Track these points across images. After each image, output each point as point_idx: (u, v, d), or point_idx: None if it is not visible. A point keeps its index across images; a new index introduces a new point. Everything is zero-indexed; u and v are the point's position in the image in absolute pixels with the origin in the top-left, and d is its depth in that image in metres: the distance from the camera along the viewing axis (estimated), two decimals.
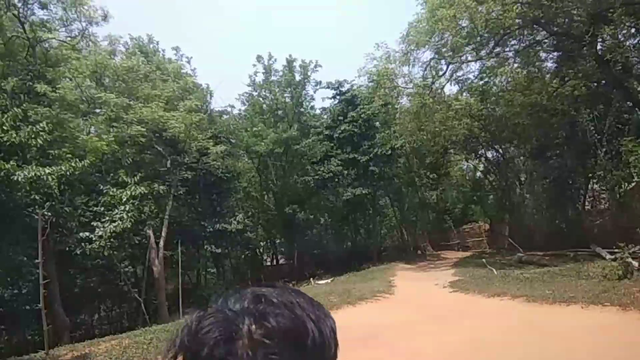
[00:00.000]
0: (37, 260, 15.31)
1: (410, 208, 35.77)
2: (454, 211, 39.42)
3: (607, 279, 13.67)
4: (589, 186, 25.14)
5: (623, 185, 22.20)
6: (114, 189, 20.16)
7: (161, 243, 22.52)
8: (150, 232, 22.20)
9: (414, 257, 32.02)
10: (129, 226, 19.63)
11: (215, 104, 34.87)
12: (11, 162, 16.41)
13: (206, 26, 77.48)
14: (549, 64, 23.27)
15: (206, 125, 27.84)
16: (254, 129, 33.97)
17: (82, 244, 19.45)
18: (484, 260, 23.03)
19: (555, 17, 18.61)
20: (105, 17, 20.98)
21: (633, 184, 21.82)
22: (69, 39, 22.06)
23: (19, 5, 19.97)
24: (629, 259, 14.18)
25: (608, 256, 18.05)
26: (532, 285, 14.78)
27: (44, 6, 20.72)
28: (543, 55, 22.51)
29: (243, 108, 37.80)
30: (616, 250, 15.16)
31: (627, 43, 20.35)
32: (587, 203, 25.60)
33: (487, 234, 34.86)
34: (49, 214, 17.76)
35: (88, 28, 21.58)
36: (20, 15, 20.26)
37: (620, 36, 19.98)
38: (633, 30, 20.36)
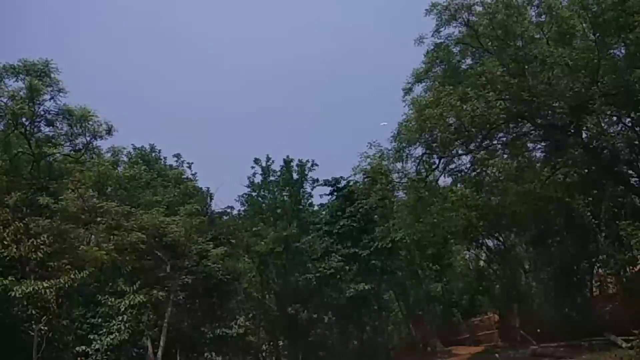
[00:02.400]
0: None
1: (415, 302, 34.92)
2: (461, 303, 38.37)
3: None
4: (594, 271, 24.84)
5: (628, 269, 22.03)
6: (112, 299, 19.77)
7: (159, 353, 21.65)
8: (148, 343, 21.44)
9: (424, 354, 30.73)
10: (126, 338, 19.02)
11: (215, 206, 35.25)
12: (9, 278, 16.31)
13: (205, 130, 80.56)
14: (538, 154, 24.00)
15: (206, 227, 27.98)
16: (254, 228, 34.04)
17: (79, 358, 18.75)
18: (497, 355, 22.15)
19: (538, 111, 19.49)
20: (109, 131, 21.96)
21: (638, 267, 21.69)
22: (73, 152, 22.90)
23: (26, 123, 20.94)
24: None
25: (624, 344, 17.39)
26: None
27: (50, 123, 21.75)
28: (531, 145, 23.29)
29: (242, 209, 38.19)
30: (631, 337, 14.69)
31: (611, 130, 21.15)
32: (594, 289, 25.13)
33: (497, 325, 33.67)
34: (46, 328, 17.31)
35: (92, 142, 22.47)
36: (27, 132, 21.21)
37: (603, 124, 20.83)
38: (615, 118, 21.27)
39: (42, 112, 21.25)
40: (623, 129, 21.31)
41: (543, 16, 19.70)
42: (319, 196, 37.06)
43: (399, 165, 21.91)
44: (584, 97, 17.92)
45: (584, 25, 18.18)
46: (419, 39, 20.82)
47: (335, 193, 34.48)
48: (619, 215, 20.79)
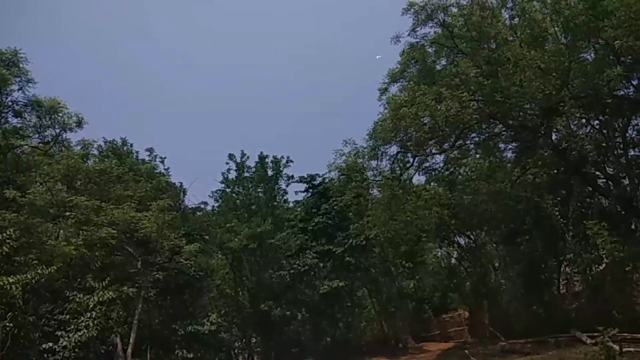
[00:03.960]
0: None
1: (388, 298, 35.15)
2: (432, 300, 38.85)
3: None
4: (561, 269, 25.47)
5: (594, 268, 22.68)
6: (81, 295, 19.38)
7: (129, 350, 21.28)
8: (117, 340, 21.07)
9: (396, 350, 31.00)
10: (95, 334, 18.66)
11: (189, 202, 34.86)
12: None
13: (179, 123, 79.61)
14: (509, 154, 24.47)
15: (179, 223, 27.63)
16: (228, 224, 33.76)
17: (45, 355, 18.32)
18: (466, 351, 22.49)
19: (509, 112, 19.88)
20: (79, 124, 21.48)
21: (603, 266, 22.34)
22: (41, 145, 22.31)
23: None
24: (610, 343, 14.12)
25: (589, 341, 17.90)
26: None
27: (18, 114, 21.16)
28: (502, 146, 23.72)
29: (216, 204, 37.87)
30: (596, 334, 15.13)
31: (580, 132, 21.70)
32: (561, 286, 25.77)
33: (467, 322, 34.25)
34: (11, 325, 16.88)
35: (62, 134, 21.94)
36: None
37: (572, 126, 21.34)
38: (584, 120, 21.83)
39: (10, 103, 20.69)
40: (591, 131, 21.89)
41: (516, 19, 20.11)
42: (294, 193, 37.12)
43: (374, 163, 22.06)
44: (555, 99, 18.33)
45: (556, 28, 18.60)
46: (395, 37, 21.02)
47: (310, 190, 34.48)
48: (586, 215, 21.39)
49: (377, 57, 27.49)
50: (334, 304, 32.67)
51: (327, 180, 33.18)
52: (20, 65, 19.98)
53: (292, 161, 37.10)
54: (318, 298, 32.08)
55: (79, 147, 24.42)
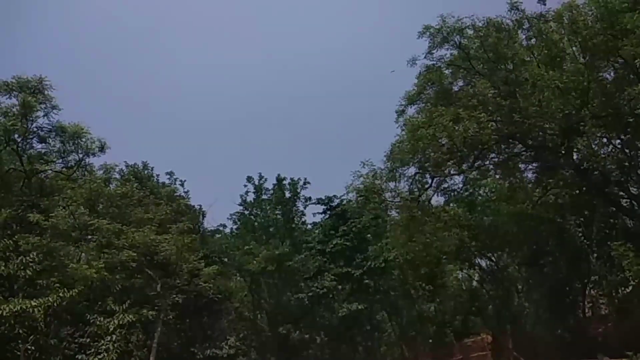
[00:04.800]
0: None
1: (408, 322, 34.62)
2: (454, 323, 38.04)
3: None
4: (586, 292, 24.86)
5: (620, 290, 22.09)
6: (101, 318, 19.45)
7: None
8: None
9: None
10: (114, 358, 18.66)
11: (208, 224, 35.13)
12: None
13: (199, 148, 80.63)
14: (530, 175, 24.15)
15: (198, 246, 27.76)
16: (246, 247, 33.86)
17: None
18: None
19: (529, 132, 19.71)
20: (102, 148, 21.86)
21: (630, 288, 21.74)
22: (65, 169, 22.74)
23: (19, 140, 20.83)
24: None
25: None
26: None
27: (42, 140, 21.63)
28: (522, 166, 23.46)
29: (235, 227, 38.07)
30: (624, 359, 14.69)
31: (602, 152, 21.40)
32: (587, 310, 25.10)
33: (491, 346, 33.42)
34: (33, 348, 17.02)
35: (85, 159, 22.36)
36: (19, 148, 21.08)
37: (594, 146, 21.07)
38: (605, 140, 21.54)
39: (35, 129, 21.15)
40: (613, 150, 21.57)
41: (533, 39, 20.09)
42: (312, 215, 37.14)
43: (392, 184, 21.98)
44: (575, 119, 18.18)
45: (574, 48, 18.55)
46: (411, 60, 21.10)
47: (328, 212, 34.49)
48: (610, 236, 20.96)
49: (391, 71, 27.62)
50: (353, 328, 32.30)
51: (345, 202, 33.15)
52: (45, 92, 20.51)
53: (309, 183, 37.29)
54: (337, 321, 31.79)
55: (101, 172, 24.86)
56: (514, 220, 22.70)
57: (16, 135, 20.49)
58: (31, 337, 17.21)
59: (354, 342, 33.75)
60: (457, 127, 17.83)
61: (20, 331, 16.71)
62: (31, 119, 20.51)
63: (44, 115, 20.87)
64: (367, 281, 30.03)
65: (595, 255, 21.54)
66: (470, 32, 20.28)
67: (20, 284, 17.83)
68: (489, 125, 18.29)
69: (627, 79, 17.79)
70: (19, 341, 16.63)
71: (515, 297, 29.81)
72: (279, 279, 35.06)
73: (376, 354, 35.05)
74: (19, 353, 16.34)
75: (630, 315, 20.41)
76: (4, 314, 15.78)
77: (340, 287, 30.75)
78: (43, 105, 20.52)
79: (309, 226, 38.55)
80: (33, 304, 16.28)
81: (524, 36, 20.44)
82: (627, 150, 20.96)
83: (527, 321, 28.32)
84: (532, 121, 18.77)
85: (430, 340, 36.23)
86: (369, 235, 32.31)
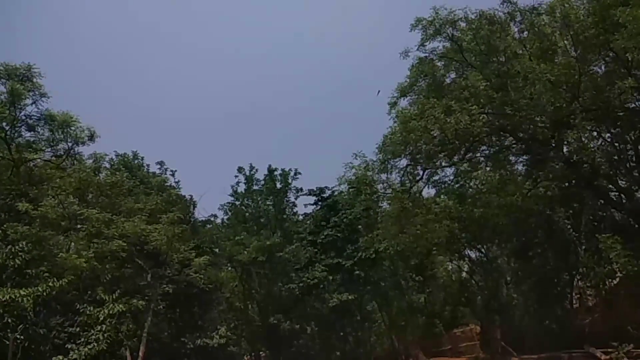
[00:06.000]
0: None
1: (398, 312, 34.84)
2: (443, 314, 38.39)
3: None
4: (574, 283, 25.15)
5: (607, 282, 22.38)
6: (91, 308, 19.45)
7: None
8: (127, 353, 21.04)
9: None
10: (105, 348, 18.67)
11: (199, 214, 35.03)
12: None
13: (188, 136, 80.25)
14: (520, 167, 24.31)
15: (189, 236, 27.69)
16: (237, 237, 33.86)
17: None
18: None
19: (520, 125, 19.79)
20: (91, 137, 21.68)
21: (617, 280, 22.04)
22: (54, 158, 22.54)
23: (7, 128, 20.59)
24: (625, 359, 13.90)
25: (603, 356, 17.64)
26: None
27: (31, 128, 21.42)
28: (513, 158, 23.58)
29: (226, 217, 38.03)
30: (610, 350, 14.91)
31: (591, 145, 21.56)
32: (574, 301, 25.42)
33: (479, 337, 33.81)
34: (22, 337, 16.96)
35: (74, 147, 22.16)
36: (7, 137, 20.84)
37: (584, 139, 21.22)
38: (595, 133, 21.71)
39: (23, 117, 20.95)
40: (603, 143, 21.76)
41: (525, 32, 20.11)
42: (304, 206, 37.15)
43: (383, 176, 22.02)
44: (565, 112, 18.27)
45: (566, 42, 18.59)
46: (404, 52, 21.07)
47: (319, 203, 34.49)
48: (598, 229, 21.18)
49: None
50: (343, 318, 32.48)
51: (336, 193, 33.19)
52: (34, 80, 20.26)
53: (300, 173, 37.29)
54: (327, 312, 31.93)
55: (90, 161, 24.65)
56: (504, 212, 22.82)
57: (4, 123, 20.30)
58: (20, 326, 17.14)
59: (344, 332, 33.96)
60: (448, 119, 17.84)
61: (9, 320, 16.63)
62: (19, 106, 20.29)
63: (32, 103, 20.71)
64: (357, 272, 30.11)
65: (583, 247, 21.76)
66: (462, 24, 20.27)
67: (8, 273, 17.71)
68: (481, 118, 18.31)
69: (618, 72, 17.88)
70: (8, 330, 16.55)
71: (504, 288, 30.11)
72: (270, 269, 35.13)
73: (366, 343, 35.32)
74: (7, 342, 16.25)
75: (617, 306, 20.70)
76: None
77: (330, 277, 30.82)
78: (31, 93, 20.31)
79: (300, 217, 38.62)
80: (22, 293, 16.21)
81: (516, 29, 20.45)
82: (616, 144, 21.15)
83: (515, 312, 28.64)
84: (523, 114, 18.84)
85: (420, 331, 36.61)
86: (360, 227, 32.36)
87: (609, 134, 21.23)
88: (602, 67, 19.53)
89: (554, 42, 19.02)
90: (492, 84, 19.50)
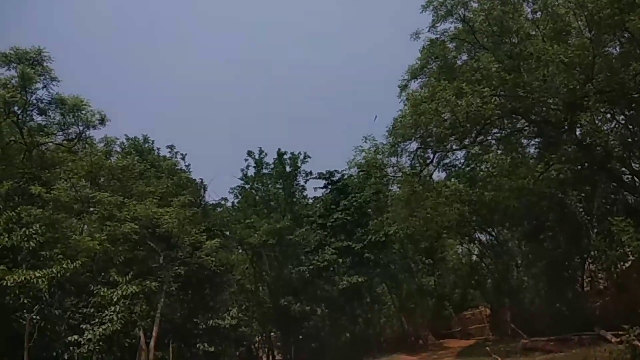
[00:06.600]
0: None
1: (408, 295, 35.05)
2: (453, 297, 38.59)
3: None
4: (585, 267, 25.01)
5: (619, 265, 22.23)
6: (105, 289, 19.79)
7: (152, 344, 21.67)
8: (141, 333, 21.45)
9: (416, 347, 30.93)
10: (118, 328, 19.04)
11: (209, 198, 35.26)
12: (1, 267, 16.27)
13: (200, 121, 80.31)
14: (532, 150, 24.08)
15: (200, 219, 27.95)
16: (247, 220, 34.09)
17: (70, 348, 18.74)
18: (487, 348, 22.30)
19: (532, 107, 19.52)
20: (102, 121, 21.81)
21: (629, 263, 21.88)
22: (65, 142, 22.72)
23: (19, 112, 20.75)
24: (636, 342, 13.83)
25: (614, 339, 17.58)
26: None
27: (42, 112, 21.56)
28: (525, 141, 23.35)
29: (236, 201, 38.22)
30: (621, 332, 14.84)
31: (605, 127, 21.26)
32: (585, 284, 25.32)
33: (489, 319, 33.94)
34: (37, 317, 17.32)
35: (85, 131, 22.31)
36: (19, 121, 21.02)
37: (597, 121, 20.92)
38: (609, 115, 21.37)
39: (35, 101, 21.08)
40: (616, 126, 21.43)
41: (538, 13, 19.74)
42: (313, 189, 37.21)
43: (393, 159, 21.92)
44: (579, 94, 17.96)
45: (580, 22, 18.18)
46: (415, 34, 20.80)
47: (329, 186, 34.53)
48: (611, 212, 20.95)
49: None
50: (353, 300, 32.72)
51: (346, 177, 33.20)
52: (44, 64, 20.33)
53: (309, 157, 37.25)
54: (337, 294, 32.17)
55: (101, 144, 24.85)
56: (515, 196, 22.65)
57: (16, 107, 20.42)
58: (36, 307, 17.50)
59: (354, 314, 34.23)
60: (460, 102, 17.64)
61: (25, 301, 16.99)
62: (30, 90, 20.41)
63: (43, 87, 20.82)
64: (367, 255, 30.25)
65: (595, 230, 21.55)
66: (474, 5, 19.94)
67: (23, 255, 18.02)
68: (492, 100, 18.08)
69: (633, 53, 17.50)
70: (24, 311, 16.91)
71: (515, 271, 30.05)
72: (280, 252, 35.40)
73: (376, 325, 35.60)
74: (24, 322, 16.62)
75: (628, 289, 20.58)
76: (9, 284, 16.04)
77: (340, 260, 30.99)
78: (42, 77, 20.40)
79: (310, 200, 38.72)
80: (37, 274, 16.53)
81: (529, 9, 20.10)
82: (630, 126, 20.79)
83: (525, 295, 28.60)
84: (535, 96, 18.55)
85: (429, 313, 36.85)
86: (369, 210, 32.42)
87: (623, 116, 20.85)
88: (617, 48, 19.10)
89: (567, 22, 18.62)
90: (505, 66, 19.21)
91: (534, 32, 19.47)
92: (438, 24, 20.44)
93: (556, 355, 17.28)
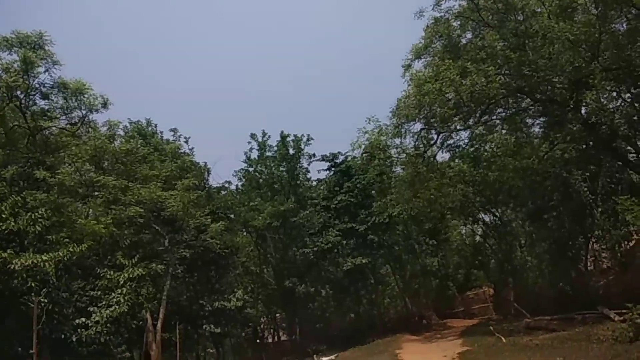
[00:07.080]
0: (31, 351, 14.93)
1: (412, 276, 35.26)
2: (456, 277, 38.78)
3: (618, 341, 13.37)
4: (589, 246, 25.03)
5: (623, 244, 22.23)
6: (112, 272, 20.00)
7: (158, 325, 21.96)
8: (147, 315, 21.70)
9: (419, 327, 31.17)
10: (125, 310, 19.26)
11: (213, 181, 35.32)
12: (8, 251, 16.39)
13: (204, 104, 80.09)
14: (537, 129, 23.90)
15: (204, 202, 28.05)
16: (251, 203, 34.20)
17: (78, 330, 19.02)
18: (491, 327, 22.44)
19: (537, 86, 19.34)
20: (105, 105, 21.70)
21: (633, 242, 21.89)
22: (69, 126, 22.69)
23: (21, 96, 20.68)
24: (638, 320, 13.90)
25: (617, 318, 17.65)
26: (543, 353, 14.38)
27: (45, 96, 21.46)
28: (530, 121, 23.18)
29: (240, 184, 38.28)
30: (624, 311, 14.90)
31: (610, 106, 21.05)
32: (589, 263, 25.37)
33: (492, 299, 34.15)
34: (45, 300, 17.51)
35: (88, 115, 22.25)
36: (22, 105, 20.96)
37: (603, 100, 20.69)
38: (614, 93, 21.16)
39: (37, 85, 20.96)
40: (622, 104, 21.20)
41: None
42: (317, 171, 37.18)
43: (397, 140, 21.86)
44: (585, 72, 17.77)
45: None
46: (418, 12, 20.54)
47: (333, 168, 34.49)
48: (615, 191, 20.87)
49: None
50: (357, 281, 32.92)
51: (349, 159, 33.14)
52: (46, 48, 20.17)
53: (312, 139, 37.12)
54: (341, 275, 32.36)
55: (105, 128, 24.78)
56: (520, 176, 22.58)
57: (18, 92, 20.34)
58: (43, 290, 17.70)
59: (358, 294, 34.48)
60: (464, 81, 17.50)
61: (33, 284, 17.18)
62: (32, 74, 20.28)
63: (45, 71, 20.65)
64: (371, 236, 30.33)
65: (599, 209, 21.48)
66: None
67: (30, 239, 18.14)
68: (497, 79, 17.92)
69: None
70: (32, 294, 17.09)
71: (518, 251, 30.12)
72: (284, 234, 35.55)
73: (380, 306, 35.90)
74: (32, 305, 16.81)
75: (632, 268, 20.63)
76: (16, 268, 16.20)
77: (344, 242, 31.12)
78: (44, 61, 20.25)
79: (314, 183, 38.74)
80: (44, 258, 16.67)
81: None
82: (636, 104, 20.57)
83: (529, 275, 28.69)
84: (541, 74, 18.37)
85: (433, 293, 37.09)
86: (373, 192, 32.40)
87: (629, 94, 20.62)
88: (624, 25, 18.80)
89: None
90: (510, 44, 19.00)
91: (539, 9, 19.17)
92: (442, 2, 20.20)
93: (559, 334, 17.36)
